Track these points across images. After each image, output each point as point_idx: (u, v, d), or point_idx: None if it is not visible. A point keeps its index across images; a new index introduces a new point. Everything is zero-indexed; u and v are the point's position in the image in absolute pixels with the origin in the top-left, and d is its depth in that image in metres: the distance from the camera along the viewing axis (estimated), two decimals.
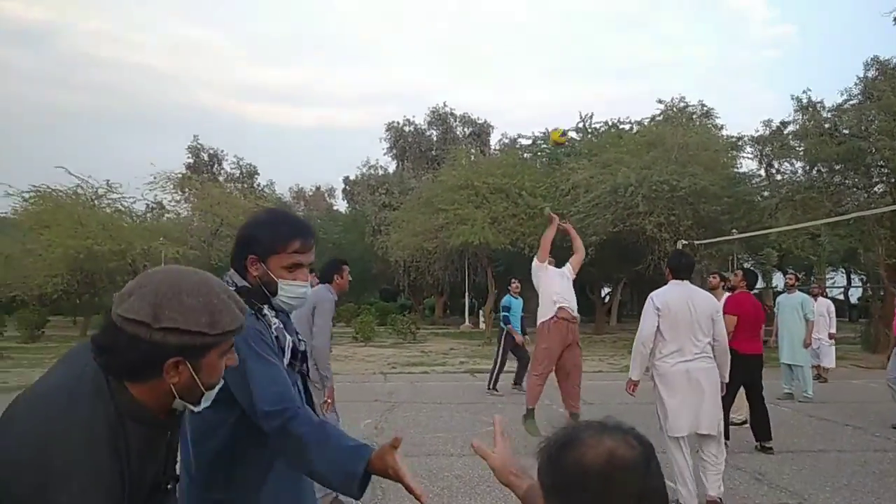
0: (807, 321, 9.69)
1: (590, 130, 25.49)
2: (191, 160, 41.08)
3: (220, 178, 38.92)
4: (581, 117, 25.66)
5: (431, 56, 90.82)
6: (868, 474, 5.89)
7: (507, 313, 10.26)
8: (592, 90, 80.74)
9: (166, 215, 27.67)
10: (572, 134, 25.68)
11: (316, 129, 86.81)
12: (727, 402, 6.23)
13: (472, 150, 32.73)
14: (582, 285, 29.22)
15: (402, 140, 38.33)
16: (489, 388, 10.26)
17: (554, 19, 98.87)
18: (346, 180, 41.76)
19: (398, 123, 38.67)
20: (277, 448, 1.78)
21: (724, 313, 6.45)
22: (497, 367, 10.28)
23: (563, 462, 1.03)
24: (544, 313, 6.82)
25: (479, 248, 21.80)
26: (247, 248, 1.85)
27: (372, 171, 38.57)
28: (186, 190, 26.38)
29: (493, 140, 37.22)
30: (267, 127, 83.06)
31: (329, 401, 4.83)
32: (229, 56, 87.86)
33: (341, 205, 44.38)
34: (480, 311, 28.29)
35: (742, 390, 6.88)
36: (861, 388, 11.19)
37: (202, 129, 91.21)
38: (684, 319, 4.87)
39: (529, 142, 27.07)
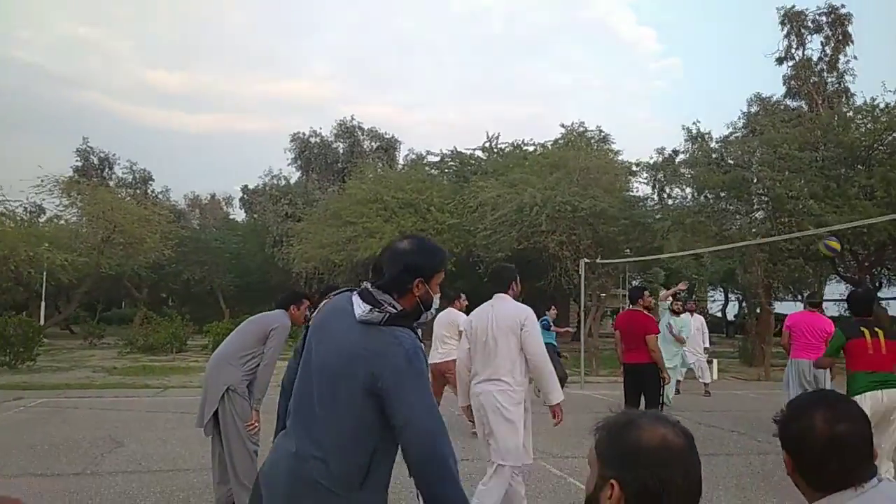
0: (676, 336, 10.84)
1: (496, 150, 26.22)
2: (79, 163, 38.81)
3: (111, 183, 36.95)
4: (488, 137, 26.40)
5: (338, 68, 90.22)
6: (754, 474, 6.48)
7: None
8: (498, 111, 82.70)
9: (57, 221, 25.93)
10: (479, 153, 26.38)
11: (213, 136, 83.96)
12: None
13: (380, 165, 32.80)
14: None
15: (308, 151, 37.84)
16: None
17: (461, 41, 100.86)
18: (245, 189, 40.73)
19: (304, 134, 38.19)
20: (417, 462, 1.90)
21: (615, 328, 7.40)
22: None
23: (624, 439, 1.23)
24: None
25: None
26: (416, 273, 2.04)
27: (274, 181, 37.81)
28: (74, 194, 24.88)
29: (401, 155, 37.47)
30: (162, 132, 79.53)
31: (256, 424, 4.62)
32: (123, 57, 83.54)
33: (238, 214, 43.21)
34: None
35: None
36: (742, 398, 12.14)
37: (93, 132, 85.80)
38: (483, 339, 4.46)
39: (437, 158, 27.50)
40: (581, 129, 25.74)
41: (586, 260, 14.65)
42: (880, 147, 16.38)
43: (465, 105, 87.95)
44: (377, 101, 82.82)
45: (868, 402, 5.60)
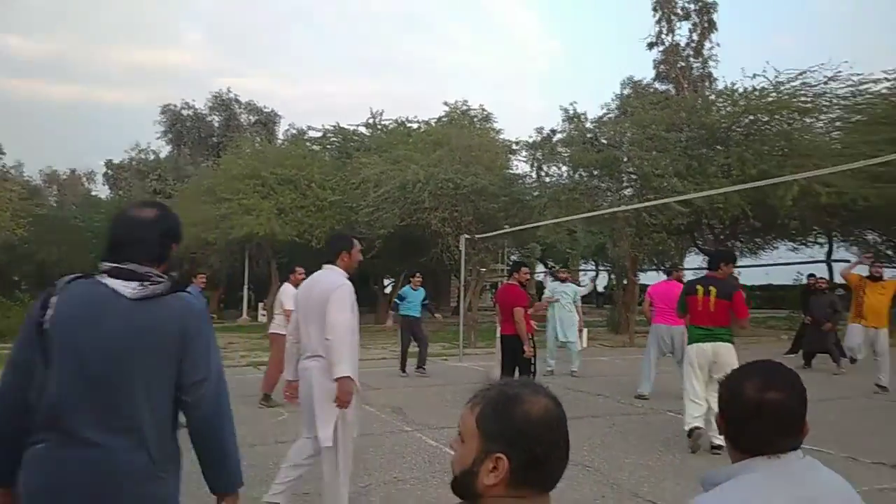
0: (576, 306, 11.21)
1: (380, 127, 25.97)
2: None
3: None
4: (372, 113, 26.04)
5: (214, 38, 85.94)
6: (616, 433, 6.84)
7: (399, 301, 11.25)
8: (382, 87, 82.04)
9: None
10: (363, 129, 26.04)
11: (74, 108, 77.91)
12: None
13: (258, 139, 31.68)
14: (365, 277, 29.72)
15: (180, 124, 35.93)
16: (405, 371, 10.99)
17: (345, 14, 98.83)
18: (110, 164, 38.16)
19: (175, 107, 36.18)
20: (209, 415, 1.98)
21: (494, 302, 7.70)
22: (400, 350, 11.17)
23: (511, 414, 1.25)
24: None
25: (263, 239, 21.25)
26: (173, 238, 2.05)
27: (142, 156, 35.67)
28: None
29: (281, 130, 36.34)
30: (14, 103, 72.78)
31: None
32: None
33: (102, 190, 40.44)
34: (260, 304, 27.44)
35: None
36: (609, 364, 12.80)
37: None
38: (304, 311, 4.25)
39: (319, 134, 26.86)
40: (464, 107, 25.95)
41: (467, 236, 14.85)
42: (738, 129, 17.62)
43: (349, 81, 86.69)
44: (256, 74, 79.90)
45: (694, 352, 6.17)
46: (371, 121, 25.81)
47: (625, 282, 19.44)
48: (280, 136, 35.09)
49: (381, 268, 25.63)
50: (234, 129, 34.47)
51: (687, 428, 6.18)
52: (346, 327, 4.00)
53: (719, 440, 5.87)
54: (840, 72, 18.87)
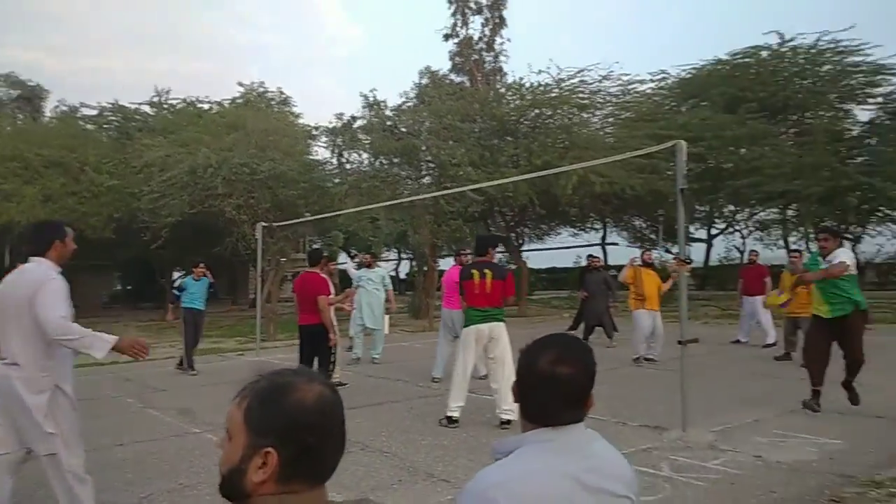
0: (386, 291, 11.24)
1: (166, 106, 24.10)
2: None
3: None
4: (157, 91, 24.10)
5: None
6: (415, 417, 6.96)
7: (178, 293, 10.59)
8: (167, 65, 76.25)
9: None
10: (146, 108, 24.00)
11: None
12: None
13: (20, 117, 27.97)
14: (150, 270, 27.56)
15: None
16: (182, 367, 10.53)
17: None
18: None
19: None
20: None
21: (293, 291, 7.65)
22: (184, 345, 10.59)
23: (282, 404, 1.17)
24: None
25: (27, 227, 18.79)
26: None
27: None
28: None
29: (49, 107, 32.31)
30: None
31: None
32: None
33: None
34: None
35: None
36: (409, 349, 13.06)
37: None
38: (1, 310, 3.64)
39: (95, 112, 24.29)
40: (261, 89, 24.94)
41: (263, 224, 14.27)
42: (525, 122, 18.78)
43: (131, 57, 79.51)
44: (16, 44, 70.39)
45: (473, 333, 6.54)
46: (156, 99, 23.91)
47: (425, 268, 19.94)
48: (48, 113, 31.20)
49: (168, 259, 23.89)
50: None
51: (449, 414, 6.46)
52: (67, 321, 3.53)
53: (507, 415, 6.22)
54: (612, 72, 20.90)
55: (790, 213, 19.34)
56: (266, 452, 1.14)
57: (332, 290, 8.19)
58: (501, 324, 6.57)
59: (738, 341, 12.06)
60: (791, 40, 23.64)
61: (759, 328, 11.79)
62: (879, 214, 17.91)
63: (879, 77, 22.72)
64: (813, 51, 23.43)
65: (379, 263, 13.64)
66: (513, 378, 1.57)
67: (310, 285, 7.77)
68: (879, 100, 22.54)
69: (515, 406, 1.58)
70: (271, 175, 17.14)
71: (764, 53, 24.13)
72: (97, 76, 71.79)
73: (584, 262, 17.46)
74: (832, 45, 23.04)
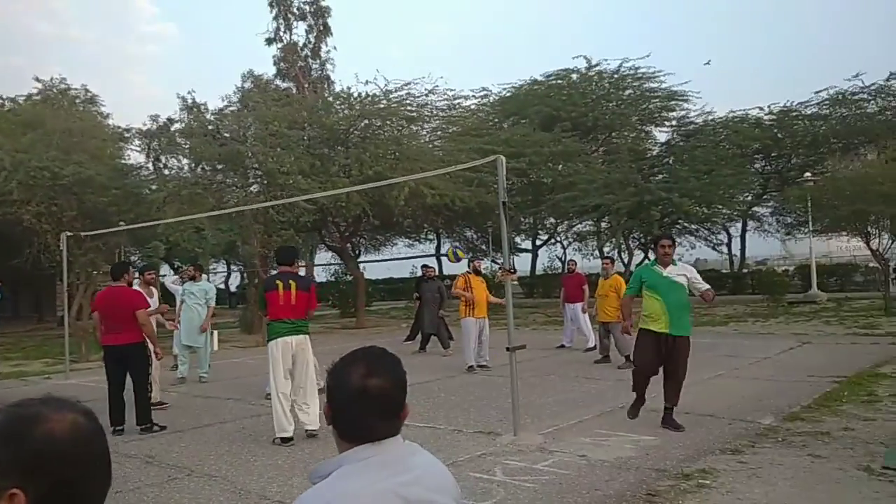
0: (208, 307, 10.49)
1: None
2: None
3: None
4: None
5: None
6: (246, 437, 6.63)
7: None
8: None
9: None
10: None
11: None
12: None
13: None
14: None
15: None
16: None
17: None
18: None
19: None
20: None
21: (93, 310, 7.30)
22: None
23: (27, 437, 1.05)
24: None
25: None
26: None
27: None
28: None
29: None
30: None
31: None
32: None
33: None
34: None
35: None
36: (241, 365, 12.46)
37: None
38: None
39: None
40: (63, 86, 22.71)
41: (69, 233, 12.95)
42: (355, 132, 18.72)
43: None
44: None
45: (280, 346, 6.42)
46: None
47: (256, 280, 19.17)
48: None
49: None
50: None
51: (282, 436, 6.25)
52: None
53: (312, 427, 6.27)
54: (437, 86, 21.51)
55: (603, 225, 21.05)
56: (11, 494, 1.02)
57: (154, 302, 7.68)
58: (307, 336, 6.55)
59: (562, 346, 12.86)
60: (597, 65, 25.89)
61: (580, 333, 12.63)
62: (679, 227, 20.04)
63: (673, 102, 25.54)
64: (616, 76, 25.81)
65: (205, 276, 12.82)
66: (314, 390, 1.54)
67: (124, 301, 7.12)
68: (674, 123, 25.32)
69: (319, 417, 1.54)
70: (76, 180, 15.69)
71: (574, 76, 26.16)
72: None
73: (419, 273, 17.74)
74: (632, 72, 25.55)
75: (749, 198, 21.84)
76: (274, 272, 7.07)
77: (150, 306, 7.50)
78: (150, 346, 7.15)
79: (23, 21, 77.92)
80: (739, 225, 27.45)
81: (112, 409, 6.81)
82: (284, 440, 6.24)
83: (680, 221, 19.27)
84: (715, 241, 23.30)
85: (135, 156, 20.22)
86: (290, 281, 6.43)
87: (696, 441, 5.79)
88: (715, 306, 21.46)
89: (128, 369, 6.98)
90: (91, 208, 16.68)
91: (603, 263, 11.64)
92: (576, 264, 14.21)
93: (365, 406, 1.43)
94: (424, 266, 14.86)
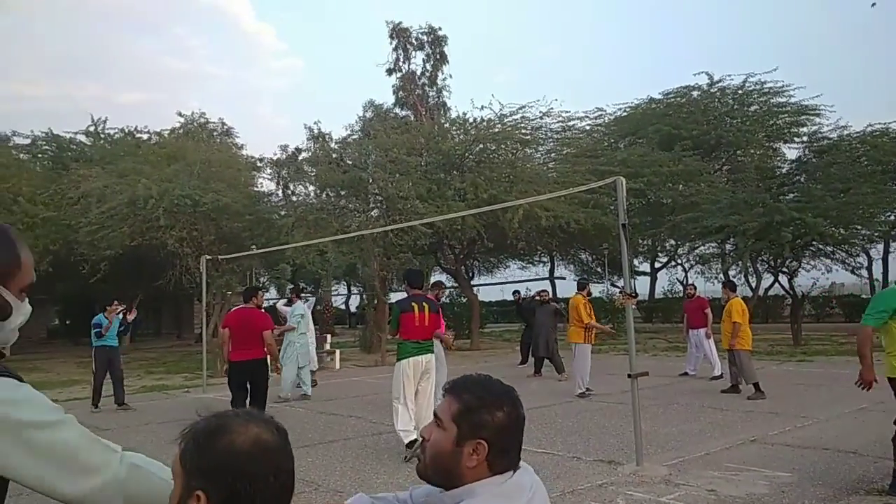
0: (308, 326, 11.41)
1: (103, 136, 23.47)
2: None
3: None
4: (93, 121, 23.46)
5: None
6: (369, 455, 6.84)
7: (98, 330, 10.28)
8: (101, 92, 74.38)
9: None
10: (82, 138, 23.31)
11: None
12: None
13: None
14: (90, 304, 26.50)
15: None
16: (94, 407, 10.20)
17: (54, 10, 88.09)
18: None
19: None
20: None
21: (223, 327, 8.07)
22: (95, 383, 10.31)
23: (213, 446, 1.14)
24: None
25: None
26: None
27: None
28: None
29: None
30: None
31: None
32: None
33: None
34: None
35: None
36: (360, 384, 12.85)
37: None
38: None
39: (28, 141, 23.45)
40: (202, 119, 24.62)
41: (208, 256, 13.97)
42: (470, 156, 19.01)
43: (64, 83, 77.31)
44: None
45: (411, 365, 6.66)
46: (92, 128, 23.24)
47: (375, 301, 19.79)
48: None
49: (110, 293, 23.01)
50: None
51: (407, 440, 6.52)
52: None
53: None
54: (552, 108, 21.46)
55: (728, 247, 20.08)
56: (197, 495, 1.12)
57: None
58: (433, 356, 6.91)
59: (685, 373, 12.35)
60: (720, 81, 24.87)
61: (706, 361, 12.13)
62: (812, 249, 18.79)
63: (804, 117, 24.07)
64: (741, 91, 24.67)
65: (302, 297, 13.63)
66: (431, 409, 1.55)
67: (256, 319, 7.78)
68: (805, 139, 23.81)
69: None
70: (214, 207, 16.84)
71: (695, 93, 25.26)
72: (29, 104, 69.41)
73: (525, 295, 17.61)
74: (758, 87, 24.34)
75: (892, 217, 20.13)
76: (404, 294, 7.31)
77: (273, 327, 8.14)
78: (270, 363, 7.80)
79: (163, 61, 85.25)
80: (881, 247, 25.35)
81: None
82: (410, 444, 6.42)
83: (814, 243, 18.01)
84: (854, 263, 21.60)
85: (266, 183, 21.48)
86: (424, 303, 6.77)
87: (837, 480, 5.39)
88: (856, 333, 19.89)
89: (251, 382, 7.63)
90: (227, 233, 17.87)
91: (723, 290, 11.20)
92: (695, 288, 13.68)
93: (518, 437, 1.45)
94: (541, 291, 14.81)
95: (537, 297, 14.10)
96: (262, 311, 8.29)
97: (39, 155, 23.44)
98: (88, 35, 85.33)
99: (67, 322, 32.51)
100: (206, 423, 1.18)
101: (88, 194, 17.06)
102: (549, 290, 24.17)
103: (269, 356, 7.86)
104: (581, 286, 11.37)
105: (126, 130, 23.51)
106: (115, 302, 10.73)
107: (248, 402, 7.61)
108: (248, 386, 7.72)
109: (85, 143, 23.20)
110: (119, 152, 20.82)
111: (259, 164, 21.21)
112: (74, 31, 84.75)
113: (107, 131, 23.54)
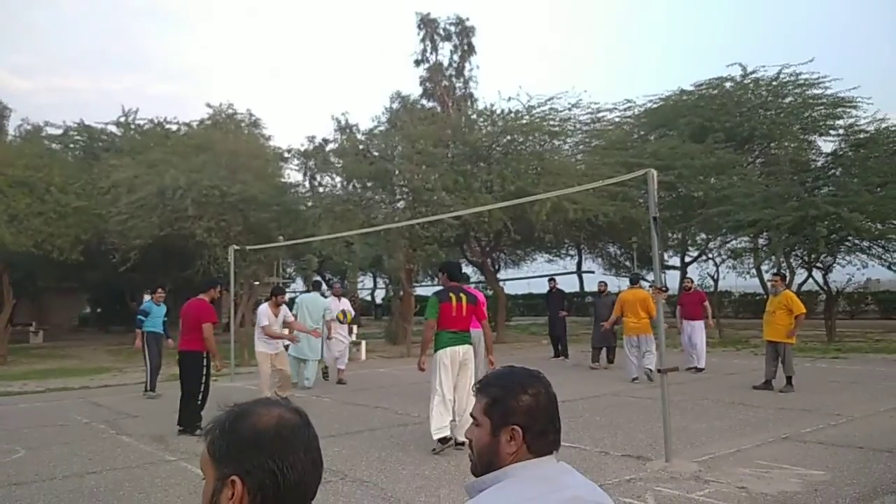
0: (324, 319, 11.44)
1: (133, 127, 23.74)
2: None
3: None
4: (124, 112, 23.72)
5: None
6: (394, 445, 6.82)
7: (143, 317, 10.57)
8: (134, 84, 75.45)
9: None
10: (113, 128, 23.62)
11: None
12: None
13: None
14: (119, 293, 26.95)
15: None
16: (146, 391, 10.58)
17: (90, 4, 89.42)
18: None
19: None
20: None
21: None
22: (149, 369, 10.64)
23: (238, 429, 1.16)
24: None
25: None
26: None
27: None
28: None
29: (12, 126, 31.59)
30: None
31: None
32: None
33: None
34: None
35: None
36: (386, 375, 12.88)
37: None
38: None
39: (60, 132, 23.80)
40: (230, 110, 24.74)
41: (236, 247, 14.07)
42: (497, 148, 18.87)
43: (97, 75, 78.54)
44: None
45: (448, 355, 6.60)
46: (123, 119, 23.52)
47: (401, 293, 19.79)
48: (11, 132, 30.49)
49: (138, 282, 23.37)
50: None
51: (439, 436, 6.45)
52: None
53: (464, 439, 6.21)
54: (581, 100, 21.18)
55: (761, 241, 19.68)
56: (231, 481, 1.12)
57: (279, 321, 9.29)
58: (472, 347, 6.86)
59: (695, 369, 12.40)
60: (753, 72, 24.31)
61: (693, 349, 12.46)
62: (848, 244, 18.34)
63: (839, 109, 23.45)
64: (775, 83, 24.10)
65: (326, 293, 13.87)
66: (471, 402, 1.53)
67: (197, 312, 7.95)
68: (841, 131, 23.22)
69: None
70: (242, 198, 16.94)
71: (728, 85, 24.74)
72: (61, 95, 70.69)
73: (548, 286, 17.39)
74: (793, 78, 23.75)
75: None
76: (439, 287, 7.23)
77: (216, 321, 8.39)
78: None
79: (193, 53, 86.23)
80: None
81: None
82: (443, 441, 6.40)
83: (849, 238, 17.57)
84: (891, 259, 21.02)
85: (293, 174, 21.54)
86: (461, 294, 6.79)
87: (872, 479, 5.22)
88: (892, 331, 19.39)
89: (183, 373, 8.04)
90: (254, 224, 17.97)
91: (773, 281, 10.93)
92: (692, 282, 14.41)
93: (555, 412, 1.48)
94: (601, 283, 14.92)
95: (599, 290, 14.53)
96: (210, 303, 8.33)
97: (71, 145, 23.77)
98: (121, 30, 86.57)
99: (98, 310, 33.11)
100: (228, 411, 1.20)
101: (118, 184, 17.26)
102: (577, 284, 23.98)
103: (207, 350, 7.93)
104: (636, 280, 12.49)
105: (155, 121, 23.73)
106: (160, 289, 10.94)
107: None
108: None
109: (115, 134, 23.48)
110: (148, 143, 21.01)
111: (286, 155, 21.29)
112: (107, 27, 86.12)
113: (136, 122, 23.80)
